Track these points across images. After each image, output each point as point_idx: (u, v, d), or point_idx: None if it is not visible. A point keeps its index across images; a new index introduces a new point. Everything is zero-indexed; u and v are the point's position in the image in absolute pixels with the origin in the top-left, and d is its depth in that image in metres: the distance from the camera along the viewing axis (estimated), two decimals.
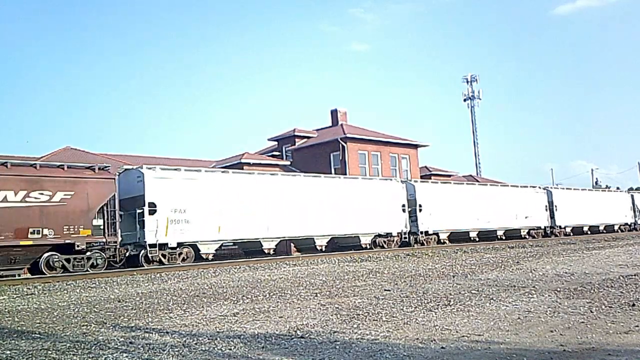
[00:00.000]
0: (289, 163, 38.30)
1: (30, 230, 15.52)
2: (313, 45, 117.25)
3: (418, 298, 8.61)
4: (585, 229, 38.49)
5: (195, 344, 5.76)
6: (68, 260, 16.32)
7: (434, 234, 28.08)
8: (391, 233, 26.13)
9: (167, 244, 18.62)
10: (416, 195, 27.55)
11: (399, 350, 5.22)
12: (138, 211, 18.38)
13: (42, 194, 15.84)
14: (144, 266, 17.88)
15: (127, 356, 5.27)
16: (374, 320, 6.85)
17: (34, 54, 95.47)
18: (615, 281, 10.02)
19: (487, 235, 31.08)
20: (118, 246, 17.42)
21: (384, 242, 25.90)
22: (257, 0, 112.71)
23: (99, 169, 17.47)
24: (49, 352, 5.57)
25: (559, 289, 9.18)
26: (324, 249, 23.66)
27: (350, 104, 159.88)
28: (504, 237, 31.56)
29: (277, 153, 40.34)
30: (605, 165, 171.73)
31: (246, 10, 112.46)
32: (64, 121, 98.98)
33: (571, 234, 36.53)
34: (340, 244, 24.92)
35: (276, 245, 22.16)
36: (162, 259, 18.55)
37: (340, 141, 36.03)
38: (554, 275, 11.46)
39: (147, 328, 6.82)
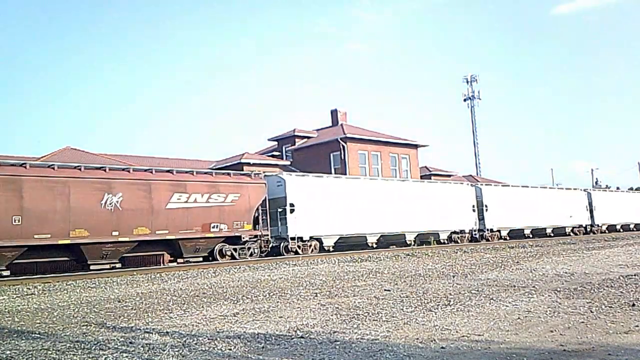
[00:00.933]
0: (289, 163, 38.32)
1: (212, 225, 20.00)
2: (312, 45, 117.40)
3: (418, 298, 8.61)
4: (618, 226, 41.57)
5: (195, 344, 5.76)
6: (235, 250, 20.60)
7: (497, 231, 31.76)
8: (464, 230, 30.27)
9: (302, 237, 22.97)
10: (483, 197, 31.58)
11: (399, 350, 5.22)
12: (279, 210, 22.66)
13: (219, 196, 20.33)
14: (284, 255, 22.13)
15: (127, 356, 5.27)
16: (374, 320, 6.85)
17: (34, 54, 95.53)
18: (615, 281, 10.01)
19: (538, 233, 34.36)
20: (269, 238, 21.85)
21: (458, 237, 29.91)
22: (256, 0, 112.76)
23: (255, 175, 22.07)
24: (49, 352, 5.57)
25: (559, 289, 9.18)
26: (413, 243, 27.19)
27: (350, 104, 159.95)
28: (552, 234, 34.95)
29: (277, 153, 40.37)
30: (605, 165, 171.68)
31: (245, 11, 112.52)
32: (64, 121, 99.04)
33: (607, 231, 39.55)
34: (422, 240, 28.58)
35: (377, 240, 26.12)
36: (298, 249, 22.69)
37: (340, 141, 36.05)
38: (554, 275, 11.46)
39: (147, 328, 6.82)
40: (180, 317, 7.58)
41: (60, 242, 16.63)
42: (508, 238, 31.75)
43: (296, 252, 22.32)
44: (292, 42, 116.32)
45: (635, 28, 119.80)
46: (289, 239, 22.35)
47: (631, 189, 60.63)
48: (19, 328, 7.24)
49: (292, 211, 22.55)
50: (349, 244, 25.41)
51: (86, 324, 7.34)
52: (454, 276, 11.80)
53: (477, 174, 61.47)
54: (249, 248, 20.89)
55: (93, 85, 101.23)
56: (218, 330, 6.52)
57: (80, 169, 17.75)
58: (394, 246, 26.52)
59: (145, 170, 19.49)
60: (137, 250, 18.76)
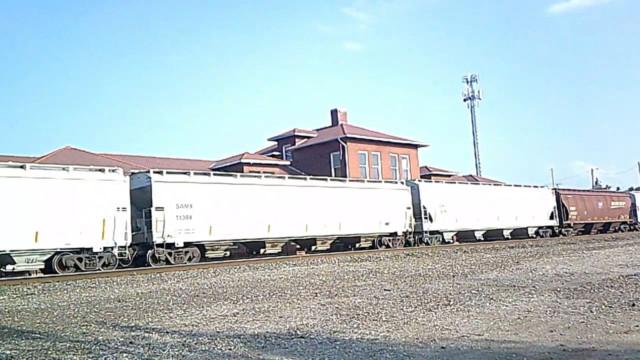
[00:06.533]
0: (289, 163, 38.31)
1: (620, 215, 41.35)
2: (307, 44, 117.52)
3: (418, 298, 8.61)
4: (593, 227, 40.11)
5: (195, 344, 5.76)
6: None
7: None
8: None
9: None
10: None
11: (399, 350, 5.22)
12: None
13: (620, 202, 41.77)
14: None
15: (127, 356, 5.27)
16: (374, 320, 6.85)
17: (34, 53, 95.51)
18: (615, 281, 10.01)
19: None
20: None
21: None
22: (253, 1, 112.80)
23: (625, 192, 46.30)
24: (49, 352, 5.56)
25: (558, 289, 9.18)
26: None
27: (350, 104, 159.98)
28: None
29: (277, 153, 40.35)
30: (605, 165, 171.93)
31: (242, 11, 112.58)
32: (64, 121, 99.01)
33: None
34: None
35: None
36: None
37: (340, 141, 36.04)
38: (553, 275, 11.47)
39: (147, 328, 6.82)
40: (180, 317, 7.58)
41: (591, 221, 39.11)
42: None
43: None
44: (291, 41, 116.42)
45: (632, 27, 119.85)
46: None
47: (631, 188, 60.49)
48: (19, 328, 7.24)
49: None
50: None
51: (86, 323, 7.34)
52: (454, 276, 11.80)
53: (477, 174, 61.47)
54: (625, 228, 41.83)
55: (93, 85, 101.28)
56: (218, 330, 6.52)
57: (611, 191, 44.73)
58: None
59: (590, 191, 43.66)
60: (595, 227, 39.20)
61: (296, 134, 39.98)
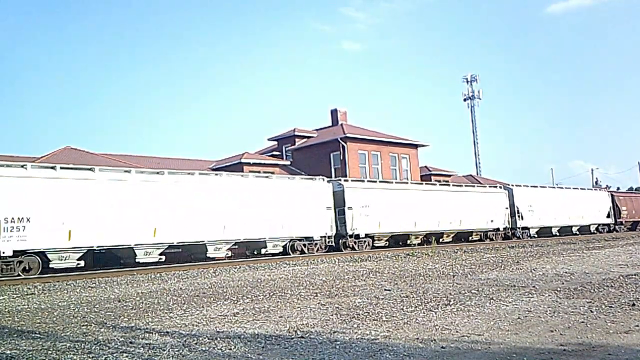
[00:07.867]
0: (289, 163, 38.30)
1: None
2: (307, 44, 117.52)
3: (418, 298, 8.62)
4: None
5: (195, 344, 5.76)
6: None
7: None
8: None
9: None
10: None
11: (399, 350, 5.23)
12: None
13: None
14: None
15: (127, 356, 5.27)
16: (374, 320, 6.85)
17: (33, 52, 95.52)
18: (615, 281, 10.02)
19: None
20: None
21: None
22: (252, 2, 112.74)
23: None
24: (49, 352, 5.56)
25: (559, 289, 9.18)
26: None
27: (350, 104, 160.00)
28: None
29: (277, 153, 40.34)
30: (604, 165, 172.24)
31: (242, 11, 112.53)
32: (64, 121, 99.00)
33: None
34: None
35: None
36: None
37: (340, 141, 36.03)
38: (554, 275, 11.47)
39: (147, 328, 6.82)
40: (180, 317, 7.58)
41: None
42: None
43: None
44: (291, 41, 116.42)
45: (631, 27, 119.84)
46: None
47: (631, 189, 60.52)
48: (19, 328, 7.24)
49: None
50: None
51: (86, 323, 7.34)
52: (454, 276, 11.80)
53: (477, 174, 61.45)
54: None
55: (93, 85, 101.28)
56: (218, 330, 6.52)
57: None
58: None
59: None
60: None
61: (296, 133, 39.96)
